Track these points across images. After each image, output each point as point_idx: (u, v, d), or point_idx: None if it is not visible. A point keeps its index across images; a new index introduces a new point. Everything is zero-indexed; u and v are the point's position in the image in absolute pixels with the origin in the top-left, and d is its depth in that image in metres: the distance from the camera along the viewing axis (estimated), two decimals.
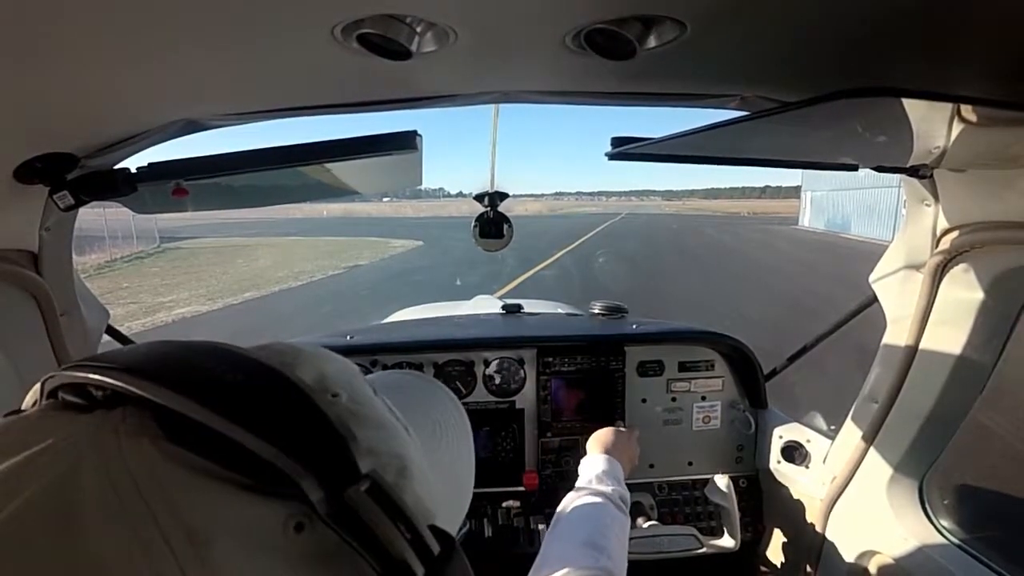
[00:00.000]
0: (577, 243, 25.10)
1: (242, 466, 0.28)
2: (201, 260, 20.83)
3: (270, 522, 0.28)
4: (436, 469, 0.44)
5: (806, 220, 36.59)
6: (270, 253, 22.93)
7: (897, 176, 1.12)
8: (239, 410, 0.29)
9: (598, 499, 1.09)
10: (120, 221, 21.57)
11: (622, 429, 1.49)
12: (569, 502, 1.10)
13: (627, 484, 1.78)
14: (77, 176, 0.96)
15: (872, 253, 1.51)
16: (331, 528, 0.28)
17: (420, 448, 0.40)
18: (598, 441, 1.41)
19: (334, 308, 11.61)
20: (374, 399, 0.38)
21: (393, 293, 11.98)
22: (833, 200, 31.99)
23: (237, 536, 0.27)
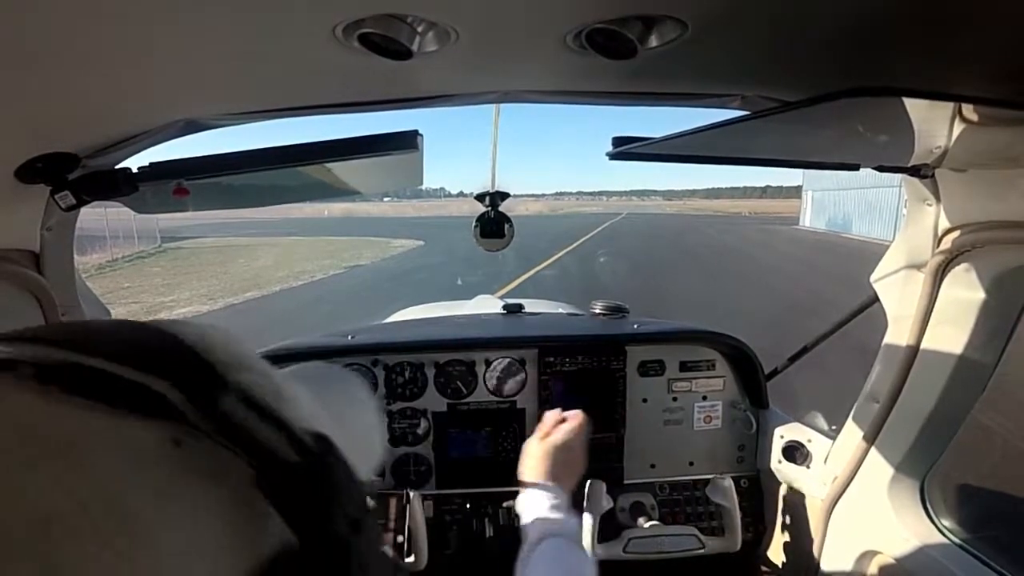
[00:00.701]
0: (578, 243, 25.07)
1: (119, 395, 0.30)
2: (202, 259, 20.84)
3: (148, 440, 0.29)
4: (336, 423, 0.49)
5: (807, 220, 36.54)
6: (271, 253, 22.91)
7: (898, 176, 1.12)
8: (113, 350, 0.31)
9: (557, 543, 1.02)
10: (121, 221, 21.63)
11: (556, 437, 1.26)
12: (527, 554, 1.01)
13: (628, 485, 1.80)
14: (78, 176, 0.96)
15: (873, 253, 1.50)
16: (207, 437, 0.30)
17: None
18: (531, 467, 1.20)
19: (335, 308, 11.60)
20: (260, 361, 0.40)
21: (394, 293, 11.95)
22: (834, 199, 31.92)
23: (117, 455, 0.28)
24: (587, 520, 1.59)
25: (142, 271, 17.83)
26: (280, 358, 1.75)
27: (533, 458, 1.22)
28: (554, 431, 1.29)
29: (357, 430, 0.57)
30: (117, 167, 1.01)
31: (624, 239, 28.19)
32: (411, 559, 1.49)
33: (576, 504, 1.64)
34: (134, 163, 1.00)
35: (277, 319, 10.58)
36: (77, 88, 0.74)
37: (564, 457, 1.24)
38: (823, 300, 10.11)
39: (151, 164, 0.97)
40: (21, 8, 0.52)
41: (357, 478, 0.36)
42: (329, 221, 53.14)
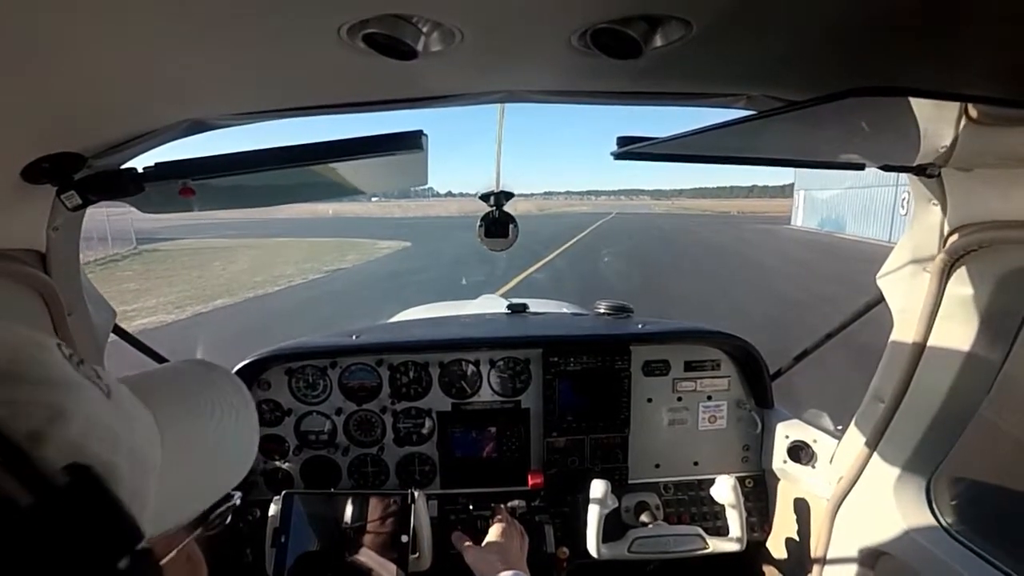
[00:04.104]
0: (569, 243, 24.47)
1: None
2: (177, 263, 19.91)
3: None
4: (190, 439, 0.51)
5: (799, 220, 35.76)
6: (250, 255, 22.04)
7: (894, 175, 1.11)
8: None
9: None
10: (95, 222, 20.83)
11: (491, 536, 1.49)
12: None
13: (633, 484, 1.81)
14: (84, 176, 0.96)
15: (873, 254, 1.48)
16: None
17: (134, 412, 0.44)
18: (492, 558, 1.37)
19: (314, 318, 10.64)
20: (51, 362, 0.39)
21: (378, 300, 11.35)
22: (827, 199, 31.27)
23: None
24: (592, 519, 1.59)
25: (113, 275, 16.73)
26: (284, 357, 1.76)
27: (487, 562, 1.36)
28: (492, 529, 1.51)
29: (222, 442, 0.55)
30: (123, 167, 1.01)
31: (617, 240, 27.18)
32: (416, 557, 1.50)
33: (582, 506, 1.65)
34: (140, 163, 1.00)
35: (244, 330, 9.66)
36: (83, 89, 0.74)
37: (509, 537, 1.46)
38: (831, 302, 9.77)
39: (157, 164, 0.97)
40: (27, 9, 0.52)
41: (123, 514, 0.34)
42: (315, 222, 51.19)
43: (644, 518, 1.73)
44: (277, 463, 1.78)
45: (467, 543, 1.46)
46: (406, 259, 20.79)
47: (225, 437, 0.56)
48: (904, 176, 1.13)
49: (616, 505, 1.65)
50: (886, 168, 1.09)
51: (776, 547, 1.76)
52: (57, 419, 0.35)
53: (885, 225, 24.04)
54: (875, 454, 1.36)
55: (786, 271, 15.58)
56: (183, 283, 15.25)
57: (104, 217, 20.91)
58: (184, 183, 0.98)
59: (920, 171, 1.06)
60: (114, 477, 0.36)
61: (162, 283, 15.20)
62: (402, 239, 28.08)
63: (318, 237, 30.35)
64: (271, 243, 27.58)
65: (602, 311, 2.08)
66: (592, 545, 1.60)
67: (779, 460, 1.72)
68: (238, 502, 0.59)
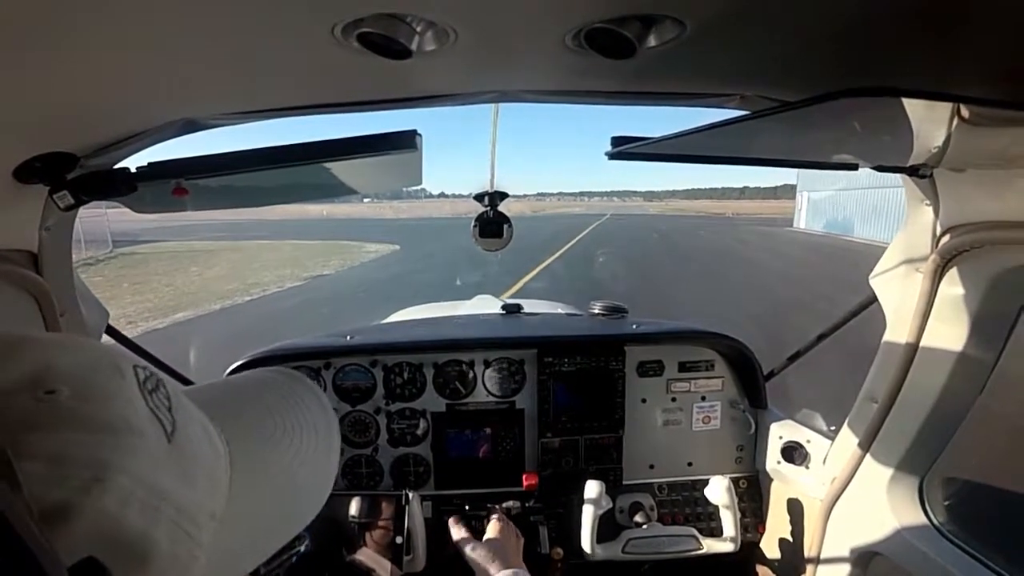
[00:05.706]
0: (566, 247, 23.44)
1: None
2: (151, 268, 18.34)
3: None
4: (263, 473, 0.45)
5: (802, 222, 35.02)
6: (230, 260, 20.54)
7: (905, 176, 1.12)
8: None
9: None
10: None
11: (488, 536, 1.47)
12: None
13: (627, 485, 1.82)
14: (77, 176, 0.96)
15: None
16: None
17: (199, 451, 0.38)
18: (491, 555, 1.37)
19: (284, 333, 9.02)
20: (119, 396, 0.34)
21: (358, 313, 10.29)
22: (834, 200, 30.82)
23: None
24: (586, 520, 1.60)
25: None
26: (278, 359, 1.75)
27: (486, 558, 1.36)
28: (490, 527, 1.50)
29: (297, 469, 0.49)
30: (116, 167, 1.00)
31: (614, 245, 25.80)
32: (409, 559, 1.49)
33: (576, 507, 1.65)
34: (133, 163, 1.00)
35: (199, 351, 7.76)
36: (76, 88, 0.74)
37: (504, 539, 1.45)
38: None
39: (150, 164, 0.97)
40: (19, 8, 0.52)
41: None
42: (306, 223, 48.88)
43: (638, 519, 1.74)
44: None
45: (465, 535, 1.45)
46: (394, 264, 19.70)
47: (303, 469, 0.49)
48: None
49: (610, 506, 1.65)
50: (879, 168, 1.10)
51: (770, 547, 1.76)
52: (95, 485, 0.29)
53: (897, 228, 23.50)
54: (868, 454, 1.37)
55: (796, 274, 14.87)
56: (149, 292, 13.79)
57: (79, 219, 20.10)
58: (177, 183, 0.98)
59: (912, 172, 1.07)
60: (144, 557, 0.31)
61: (127, 292, 13.62)
62: (391, 242, 26.75)
63: (305, 240, 29.04)
64: (254, 246, 26.12)
65: (596, 311, 2.09)
66: (586, 546, 1.60)
67: (773, 461, 1.73)
68: (303, 549, 0.52)
